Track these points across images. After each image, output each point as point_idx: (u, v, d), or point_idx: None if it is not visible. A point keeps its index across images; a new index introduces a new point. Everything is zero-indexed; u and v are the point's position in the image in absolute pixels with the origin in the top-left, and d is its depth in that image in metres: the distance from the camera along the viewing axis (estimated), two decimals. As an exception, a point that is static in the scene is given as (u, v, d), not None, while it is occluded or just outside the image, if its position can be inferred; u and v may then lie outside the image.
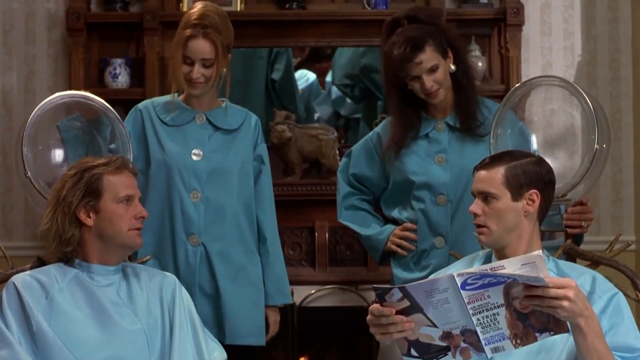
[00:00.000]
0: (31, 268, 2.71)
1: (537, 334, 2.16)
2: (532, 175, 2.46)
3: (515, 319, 2.14)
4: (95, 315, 2.57)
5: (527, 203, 2.45)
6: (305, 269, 4.23)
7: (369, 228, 3.19)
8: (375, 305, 2.22)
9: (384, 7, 4.24)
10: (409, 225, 3.09)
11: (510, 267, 2.12)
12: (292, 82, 4.71)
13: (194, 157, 3.08)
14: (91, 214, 2.60)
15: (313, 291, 4.20)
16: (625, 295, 2.75)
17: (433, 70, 2.98)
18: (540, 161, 2.51)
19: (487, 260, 2.56)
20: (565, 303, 2.12)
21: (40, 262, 2.73)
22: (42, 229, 2.63)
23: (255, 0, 4.36)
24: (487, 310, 2.13)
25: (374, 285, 2.26)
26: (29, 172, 2.88)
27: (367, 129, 4.21)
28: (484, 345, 2.15)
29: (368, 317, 2.25)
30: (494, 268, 2.13)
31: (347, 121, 4.82)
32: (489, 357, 2.20)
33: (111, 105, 3.04)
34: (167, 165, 3.07)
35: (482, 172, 2.48)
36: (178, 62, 3.02)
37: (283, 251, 3.25)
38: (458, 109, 3.07)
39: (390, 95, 3.10)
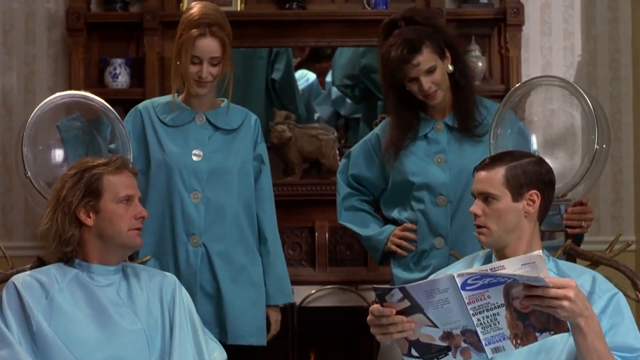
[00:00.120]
0: (31, 268, 2.71)
1: (537, 334, 2.16)
2: (532, 176, 2.46)
3: (515, 318, 2.14)
4: (95, 315, 2.57)
5: (527, 203, 2.45)
6: (305, 269, 4.23)
7: (369, 229, 3.19)
8: (376, 306, 2.22)
9: (384, 7, 4.23)
10: (408, 225, 3.09)
11: (511, 267, 2.13)
12: (292, 82, 4.71)
13: (194, 158, 3.08)
14: (91, 214, 2.60)
15: (313, 291, 4.20)
16: (625, 295, 2.75)
17: (431, 71, 2.98)
18: (540, 161, 2.51)
19: (487, 260, 2.56)
20: (566, 303, 2.12)
21: (40, 262, 2.73)
22: (42, 229, 2.63)
23: (255, 0, 4.36)
24: (487, 310, 2.14)
25: (374, 286, 2.26)
26: (29, 172, 2.88)
27: (367, 129, 4.21)
28: (484, 345, 2.15)
29: (368, 318, 2.25)
30: (494, 268, 2.13)
31: (347, 121, 4.82)
32: (489, 357, 2.20)
33: (111, 105, 3.05)
34: (168, 166, 3.07)
35: (482, 173, 2.48)
36: (186, 62, 3.02)
37: (283, 251, 3.25)
38: (456, 109, 3.07)
39: (388, 97, 3.10)
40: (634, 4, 4.35)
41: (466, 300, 2.12)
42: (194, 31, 3.00)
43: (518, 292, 2.12)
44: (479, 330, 2.14)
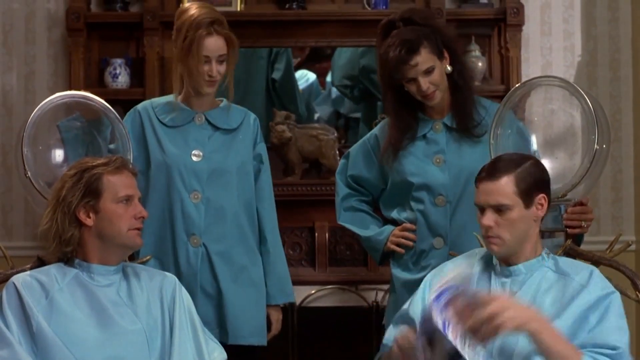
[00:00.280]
0: (31, 268, 2.71)
1: None
2: (538, 180, 2.47)
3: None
4: (95, 315, 2.57)
5: (537, 208, 2.46)
6: (305, 269, 4.23)
7: (369, 229, 3.19)
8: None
9: (384, 7, 4.23)
10: (408, 225, 3.09)
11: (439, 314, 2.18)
12: (293, 81, 4.71)
13: (194, 158, 3.08)
14: (91, 214, 2.60)
15: (313, 291, 4.20)
16: (625, 295, 2.76)
17: (429, 72, 2.98)
18: (538, 162, 2.52)
19: (487, 261, 2.56)
20: (506, 314, 2.16)
21: (40, 262, 2.73)
22: (42, 229, 2.63)
23: (255, 0, 4.36)
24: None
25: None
26: (29, 172, 2.88)
27: (367, 129, 4.21)
28: None
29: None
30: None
31: (347, 121, 4.82)
32: None
33: (111, 105, 3.04)
34: (167, 166, 3.07)
35: (489, 184, 2.45)
36: (198, 63, 3.01)
37: (283, 251, 3.25)
38: (455, 109, 3.07)
39: (386, 97, 3.10)
40: (634, 4, 4.35)
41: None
42: (201, 31, 3.00)
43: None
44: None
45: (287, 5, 4.29)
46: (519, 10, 4.23)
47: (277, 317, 3.17)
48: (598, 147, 2.79)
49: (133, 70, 4.27)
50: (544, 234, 2.94)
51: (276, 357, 3.87)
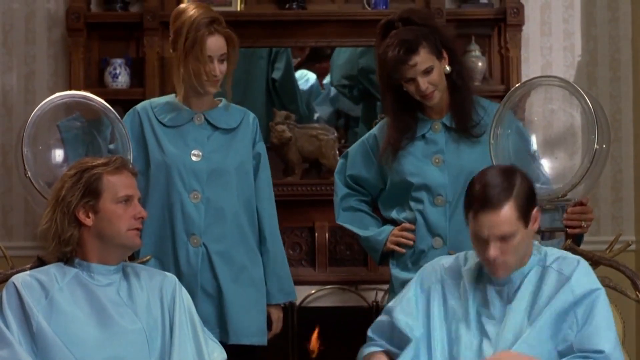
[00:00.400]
0: (31, 268, 2.71)
1: None
2: (531, 194, 2.46)
3: None
4: (96, 315, 2.57)
5: (533, 223, 2.47)
6: (305, 269, 4.23)
7: (368, 229, 3.19)
8: None
9: (384, 7, 4.23)
10: (407, 225, 3.09)
11: None
12: (293, 80, 4.71)
13: (194, 158, 3.08)
14: (90, 214, 2.60)
15: (313, 291, 4.20)
16: (625, 295, 2.76)
17: (428, 72, 2.98)
18: (522, 173, 2.49)
19: (478, 272, 2.55)
20: None
21: (40, 262, 2.73)
22: (41, 228, 2.63)
23: (255, 0, 4.35)
24: None
25: None
26: (29, 172, 2.88)
27: (366, 129, 4.20)
28: None
29: None
30: None
31: (347, 121, 4.82)
32: None
33: (111, 105, 3.05)
34: (167, 166, 3.07)
35: (491, 216, 2.41)
36: (203, 63, 3.01)
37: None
38: (453, 109, 3.07)
39: (385, 98, 3.10)
40: (634, 4, 4.35)
41: None
42: (203, 31, 3.00)
43: None
44: None
45: (287, 5, 4.29)
46: (519, 10, 4.22)
47: (277, 316, 3.17)
48: (598, 147, 2.79)
49: (133, 70, 4.27)
50: (544, 234, 2.94)
51: (276, 357, 3.87)
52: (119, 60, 4.25)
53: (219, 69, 3.03)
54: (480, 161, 3.00)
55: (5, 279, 2.70)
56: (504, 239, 2.41)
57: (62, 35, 4.32)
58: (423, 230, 3.06)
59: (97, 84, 4.25)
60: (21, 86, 4.34)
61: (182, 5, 3.16)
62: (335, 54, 4.72)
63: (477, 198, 2.44)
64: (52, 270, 2.62)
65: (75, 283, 2.60)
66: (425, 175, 3.06)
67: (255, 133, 3.17)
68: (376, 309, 4.01)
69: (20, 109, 4.30)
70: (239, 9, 4.27)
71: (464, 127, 3.06)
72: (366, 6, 4.29)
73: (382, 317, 2.65)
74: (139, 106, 3.17)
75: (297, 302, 4.09)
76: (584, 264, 2.49)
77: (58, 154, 3.02)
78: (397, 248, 3.10)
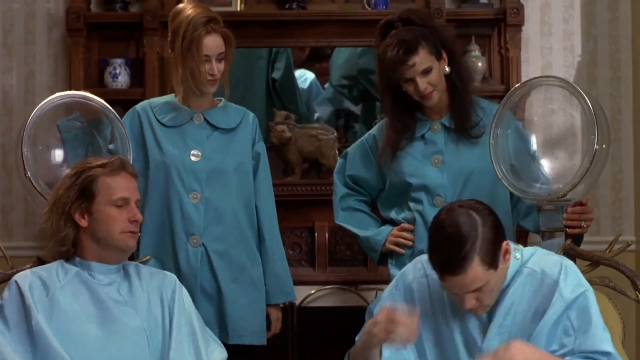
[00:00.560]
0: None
1: None
2: (495, 237, 2.36)
3: None
4: (97, 313, 2.57)
5: (504, 258, 2.40)
6: (305, 269, 4.23)
7: (367, 229, 3.19)
8: None
9: (384, 7, 4.23)
10: (406, 225, 3.09)
11: None
12: (293, 80, 4.71)
13: (193, 158, 3.08)
14: (85, 216, 2.61)
15: (313, 291, 4.20)
16: (625, 295, 2.76)
17: (427, 72, 2.98)
18: (485, 212, 2.39)
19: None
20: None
21: (40, 262, 2.74)
22: (39, 227, 2.65)
23: (255, 0, 4.35)
24: None
25: None
26: (29, 172, 2.89)
27: (365, 130, 4.20)
28: None
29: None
30: None
31: (347, 121, 4.82)
32: None
33: (111, 105, 3.05)
34: (166, 167, 3.07)
35: (459, 279, 2.33)
36: (199, 62, 3.01)
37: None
38: (452, 110, 3.08)
39: (384, 98, 3.10)
40: (634, 4, 4.34)
41: None
42: (200, 30, 3.00)
43: None
44: None
45: (287, 5, 4.28)
46: (519, 10, 4.22)
47: (276, 316, 3.17)
48: (598, 147, 2.79)
49: (133, 70, 4.27)
50: (544, 234, 2.94)
51: (276, 357, 3.87)
52: (119, 60, 4.25)
53: (217, 68, 3.03)
54: (479, 162, 3.01)
55: (6, 278, 2.71)
56: (476, 290, 2.36)
57: (62, 35, 4.32)
58: (422, 230, 3.06)
59: (97, 84, 4.25)
60: (21, 86, 4.34)
61: (180, 5, 3.16)
62: (334, 54, 4.71)
63: (440, 260, 2.37)
64: (54, 268, 2.63)
65: (76, 281, 2.61)
66: (424, 176, 3.06)
67: (254, 133, 3.17)
68: (376, 309, 4.02)
69: (20, 109, 4.30)
70: (238, 9, 4.27)
71: (463, 128, 3.06)
72: (366, 6, 4.29)
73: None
74: (138, 106, 3.17)
75: (297, 302, 4.09)
76: (569, 266, 2.45)
77: (58, 154, 3.02)
78: (396, 248, 3.10)
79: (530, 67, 4.34)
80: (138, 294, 2.64)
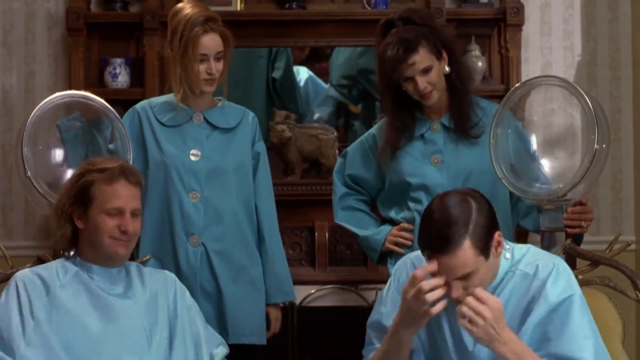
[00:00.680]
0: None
1: None
2: (489, 224, 2.31)
3: None
4: (97, 312, 2.58)
5: (496, 250, 2.33)
6: (305, 269, 4.23)
7: (366, 229, 3.19)
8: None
9: (384, 7, 4.23)
10: (405, 225, 3.10)
11: None
12: (293, 80, 4.70)
13: (192, 158, 3.08)
14: (82, 219, 2.61)
15: (313, 291, 4.20)
16: (625, 295, 2.76)
17: (426, 71, 2.98)
18: (478, 199, 2.34)
19: None
20: (480, 321, 2.18)
21: (40, 262, 2.74)
22: (45, 224, 2.66)
23: (255, 0, 4.35)
24: None
25: None
26: (29, 172, 2.89)
27: (365, 130, 4.20)
28: None
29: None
30: None
31: (347, 121, 4.82)
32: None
33: (111, 105, 3.05)
34: (166, 166, 3.07)
35: (447, 259, 2.26)
36: (195, 61, 3.01)
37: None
38: (452, 110, 3.08)
39: (384, 97, 3.10)
40: (634, 4, 4.34)
41: None
42: (197, 29, 3.00)
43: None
44: None
45: (287, 5, 4.28)
46: (519, 10, 4.22)
47: (276, 315, 3.17)
48: (598, 147, 2.79)
49: (133, 70, 4.27)
50: (544, 234, 2.94)
51: (276, 357, 3.87)
52: (118, 60, 4.25)
53: (215, 67, 3.03)
54: (478, 161, 3.01)
55: (6, 278, 2.71)
56: (464, 277, 2.28)
57: (62, 35, 4.32)
58: (422, 230, 3.06)
59: (97, 84, 4.25)
60: (21, 86, 4.34)
61: (179, 5, 3.16)
62: (334, 54, 4.71)
63: (430, 239, 2.29)
64: (54, 267, 2.63)
65: (77, 280, 2.61)
66: (423, 176, 3.06)
67: (254, 132, 3.17)
68: (376, 309, 4.01)
69: (20, 109, 4.30)
70: (238, 8, 4.27)
71: (463, 128, 3.06)
72: (366, 6, 4.29)
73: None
74: (138, 106, 3.17)
75: (297, 302, 4.09)
76: (561, 267, 2.39)
77: (58, 154, 3.02)
78: (395, 248, 3.10)
79: (530, 66, 4.34)
80: (138, 293, 2.64)
